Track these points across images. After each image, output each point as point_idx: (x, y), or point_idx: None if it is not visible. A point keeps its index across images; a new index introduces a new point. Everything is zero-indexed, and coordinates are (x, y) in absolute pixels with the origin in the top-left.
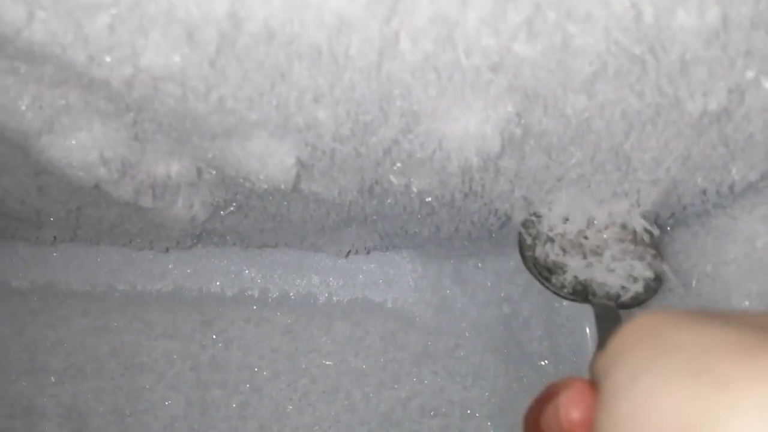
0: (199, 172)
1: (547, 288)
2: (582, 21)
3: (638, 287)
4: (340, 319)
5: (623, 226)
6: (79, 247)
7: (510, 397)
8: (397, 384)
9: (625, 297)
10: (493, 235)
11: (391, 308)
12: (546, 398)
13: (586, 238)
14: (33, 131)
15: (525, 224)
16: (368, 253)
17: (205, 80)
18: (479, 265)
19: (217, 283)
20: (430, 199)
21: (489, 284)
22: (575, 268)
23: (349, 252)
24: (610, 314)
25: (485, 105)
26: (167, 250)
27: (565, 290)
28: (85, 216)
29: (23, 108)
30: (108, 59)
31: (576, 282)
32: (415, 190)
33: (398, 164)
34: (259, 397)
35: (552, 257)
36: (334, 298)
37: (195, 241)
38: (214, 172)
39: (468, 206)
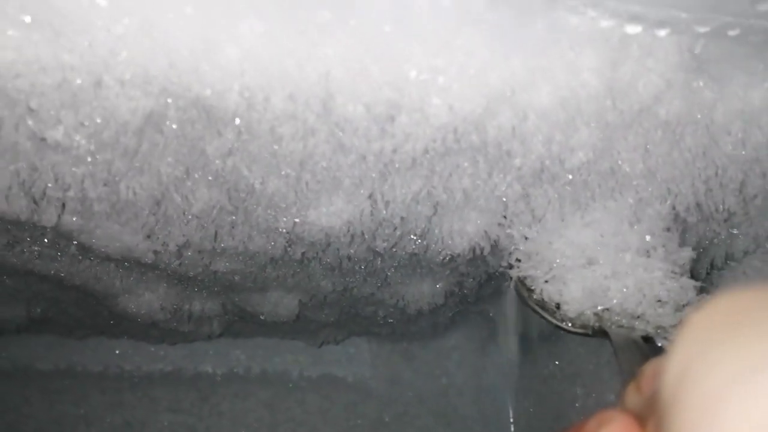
0: (224, 308)
1: (559, 327)
2: None
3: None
4: (311, 393)
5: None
6: (90, 337)
7: None
8: None
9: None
10: (435, 320)
11: (352, 382)
12: None
13: None
14: (113, 292)
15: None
16: (337, 344)
17: (254, 277)
18: (423, 344)
19: (210, 363)
20: (391, 320)
21: (431, 360)
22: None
23: (322, 343)
24: (631, 343)
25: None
26: (175, 343)
27: (576, 324)
28: (123, 326)
29: (104, 277)
30: (177, 261)
31: (589, 315)
32: (381, 314)
33: (373, 307)
34: None
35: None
36: (305, 374)
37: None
38: (235, 309)
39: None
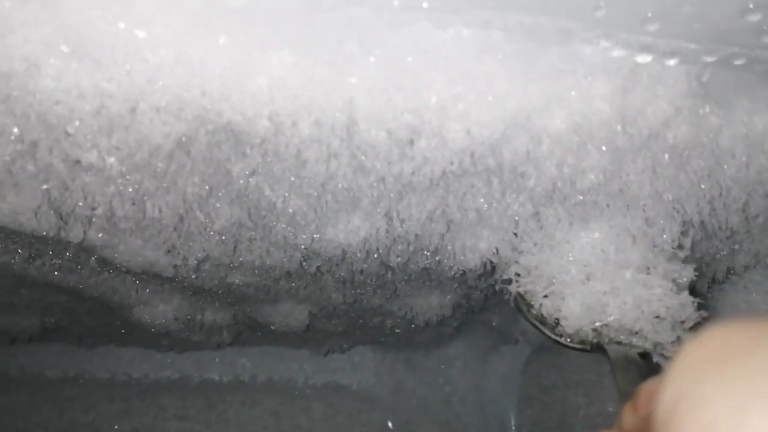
0: (235, 318)
1: (557, 342)
2: None
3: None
4: (316, 400)
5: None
6: (99, 345)
7: None
8: None
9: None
10: (441, 330)
11: (356, 390)
12: None
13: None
14: (128, 303)
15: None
16: (343, 352)
17: (267, 289)
18: (426, 353)
19: (216, 371)
20: (399, 330)
21: (433, 368)
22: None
23: (327, 352)
24: (628, 360)
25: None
26: (183, 351)
27: (575, 340)
28: (134, 335)
29: (121, 288)
30: (194, 275)
31: (588, 330)
32: (389, 325)
33: (380, 318)
34: None
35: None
36: (310, 382)
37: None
38: (246, 318)
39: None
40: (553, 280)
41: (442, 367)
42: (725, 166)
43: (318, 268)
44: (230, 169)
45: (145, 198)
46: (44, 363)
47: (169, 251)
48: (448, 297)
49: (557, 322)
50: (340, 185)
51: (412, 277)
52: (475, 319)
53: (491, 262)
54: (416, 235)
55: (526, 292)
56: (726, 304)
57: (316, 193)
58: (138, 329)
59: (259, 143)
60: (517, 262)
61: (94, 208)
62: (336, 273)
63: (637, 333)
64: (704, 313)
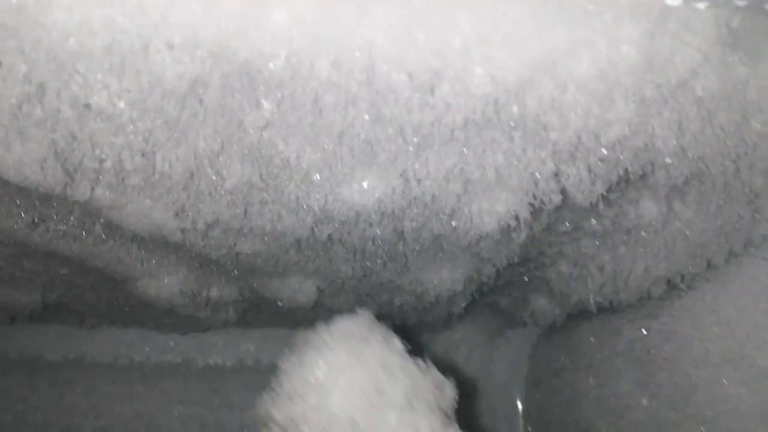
0: (242, 294)
1: None
2: None
3: None
4: None
5: None
6: (100, 326)
7: None
8: None
9: None
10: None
11: None
12: None
13: None
14: (133, 275)
15: None
16: None
17: (276, 260)
18: (431, 337)
19: (220, 354)
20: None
21: (439, 353)
22: None
23: None
24: None
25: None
26: (187, 332)
27: None
28: (136, 313)
29: (126, 259)
30: (202, 242)
31: None
32: (397, 302)
33: (389, 295)
34: None
35: None
36: None
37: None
38: (253, 294)
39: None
40: None
41: (448, 352)
42: (752, 122)
43: (329, 235)
44: (243, 120)
45: (156, 150)
46: (44, 345)
47: (177, 214)
48: (460, 271)
49: None
50: (357, 137)
51: (424, 248)
52: (481, 302)
53: (509, 225)
54: (433, 196)
55: None
56: (747, 277)
57: (332, 146)
58: (141, 308)
59: (276, 87)
60: None
61: (102, 161)
62: (347, 242)
63: None
64: None
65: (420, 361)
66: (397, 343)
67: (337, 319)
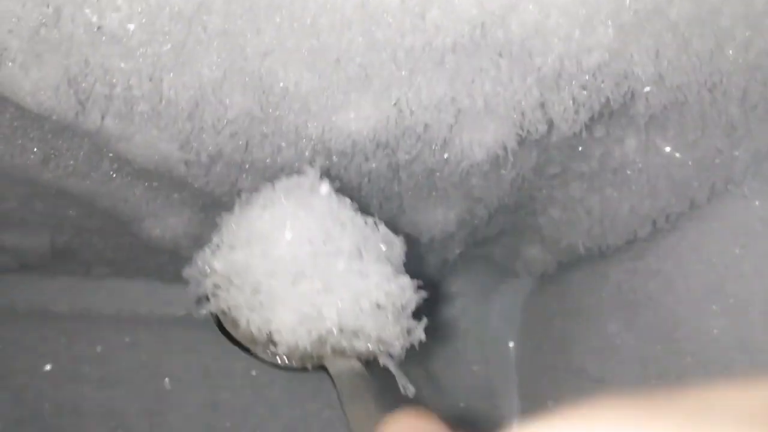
0: None
1: (274, 365)
2: None
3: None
4: None
5: None
6: (106, 278)
7: None
8: None
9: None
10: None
11: None
12: None
13: None
14: (139, 216)
15: None
16: None
17: None
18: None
19: None
20: None
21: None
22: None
23: None
24: (354, 374)
25: None
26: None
27: (294, 358)
28: (141, 261)
29: (132, 198)
30: (205, 178)
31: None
32: None
33: None
34: (257, 398)
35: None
36: None
37: None
38: None
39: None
40: (260, 287)
41: (443, 306)
42: (725, 49)
43: (327, 172)
44: (245, 47)
45: (163, 75)
46: (50, 298)
47: (182, 146)
48: (453, 212)
49: (270, 338)
50: (352, 61)
51: (418, 185)
52: (475, 254)
53: (498, 156)
54: (425, 125)
55: (229, 308)
56: (728, 214)
57: (329, 71)
58: (146, 254)
59: (275, 11)
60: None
61: (113, 87)
62: (344, 178)
63: (358, 333)
64: (424, 294)
65: (369, 218)
66: (347, 199)
67: (283, 177)
